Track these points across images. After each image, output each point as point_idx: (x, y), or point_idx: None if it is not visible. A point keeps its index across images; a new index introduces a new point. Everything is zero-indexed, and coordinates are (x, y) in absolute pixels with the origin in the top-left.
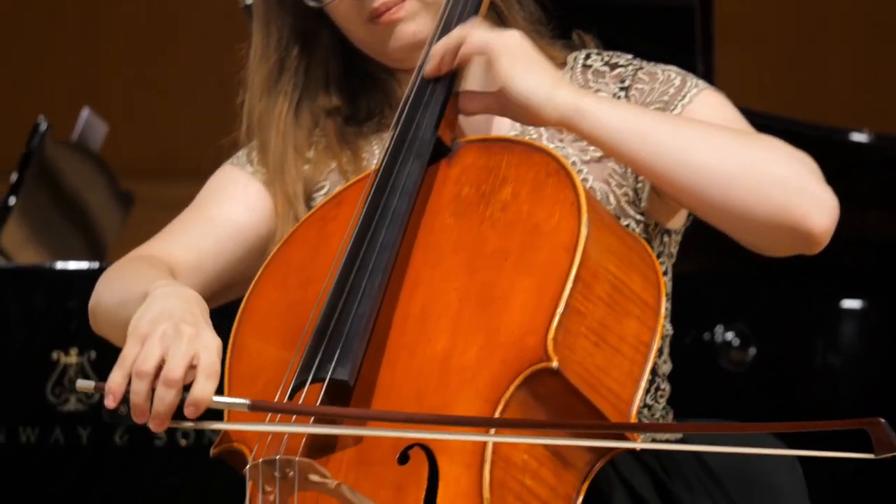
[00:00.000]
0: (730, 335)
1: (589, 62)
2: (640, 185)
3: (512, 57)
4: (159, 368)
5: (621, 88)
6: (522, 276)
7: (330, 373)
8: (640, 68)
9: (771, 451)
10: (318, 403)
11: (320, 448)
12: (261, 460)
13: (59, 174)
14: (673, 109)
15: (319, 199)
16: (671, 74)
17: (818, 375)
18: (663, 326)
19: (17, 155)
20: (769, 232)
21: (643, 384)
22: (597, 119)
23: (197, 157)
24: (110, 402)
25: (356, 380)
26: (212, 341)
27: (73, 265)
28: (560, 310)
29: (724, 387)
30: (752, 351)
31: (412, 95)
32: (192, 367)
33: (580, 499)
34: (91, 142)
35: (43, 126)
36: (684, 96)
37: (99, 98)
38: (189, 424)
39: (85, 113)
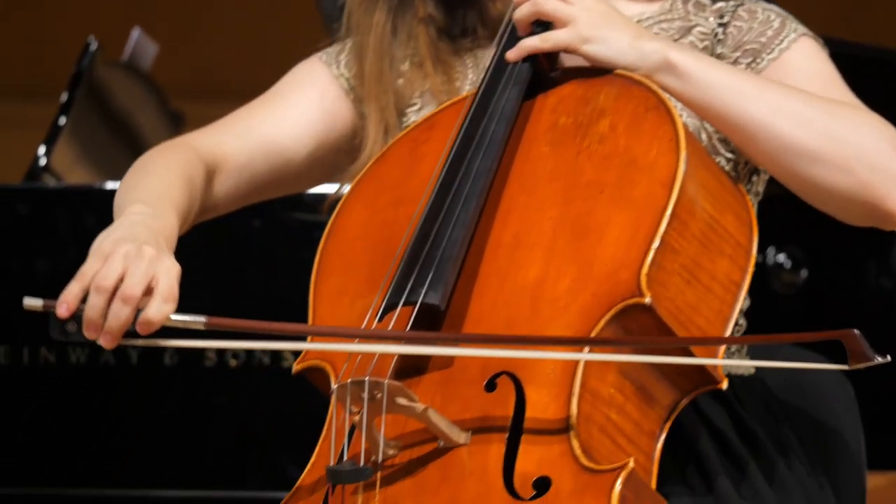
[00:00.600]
0: (781, 257)
1: None
2: None
3: (588, 25)
4: (117, 287)
5: (720, 24)
6: (618, 210)
7: (422, 296)
8: (741, 4)
9: (761, 363)
10: (408, 327)
11: (408, 372)
12: (349, 381)
13: (109, 94)
14: (769, 53)
15: (412, 115)
16: (771, 15)
17: (870, 298)
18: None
19: (67, 75)
20: (847, 205)
21: (731, 324)
22: (684, 72)
23: (247, 77)
24: (63, 312)
25: (447, 305)
26: (172, 266)
27: None
28: (655, 246)
29: (775, 309)
30: (804, 273)
31: (512, 21)
32: (148, 292)
33: (663, 436)
34: (141, 62)
35: (93, 46)
36: (782, 41)
37: (149, 18)
38: (140, 342)
39: (135, 33)
